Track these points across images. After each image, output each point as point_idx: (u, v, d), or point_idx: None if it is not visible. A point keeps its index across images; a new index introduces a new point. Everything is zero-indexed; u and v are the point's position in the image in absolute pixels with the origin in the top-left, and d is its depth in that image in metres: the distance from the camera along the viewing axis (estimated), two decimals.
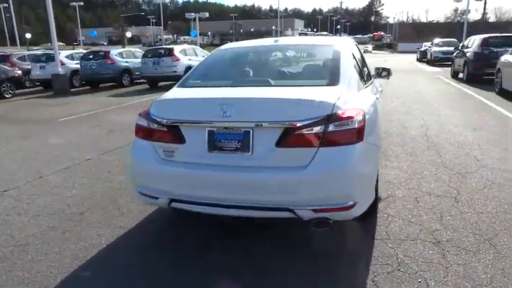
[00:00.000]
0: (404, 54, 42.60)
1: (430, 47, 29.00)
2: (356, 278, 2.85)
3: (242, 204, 2.88)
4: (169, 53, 16.81)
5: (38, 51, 27.41)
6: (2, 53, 21.09)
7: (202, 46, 30.05)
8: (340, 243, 3.37)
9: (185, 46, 19.96)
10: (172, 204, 3.07)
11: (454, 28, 50.96)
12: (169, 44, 49.01)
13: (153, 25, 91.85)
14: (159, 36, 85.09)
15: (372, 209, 3.41)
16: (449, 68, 19.02)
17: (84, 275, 3.04)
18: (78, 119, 10.16)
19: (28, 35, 58.50)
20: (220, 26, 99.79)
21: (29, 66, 18.84)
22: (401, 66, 25.77)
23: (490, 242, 3.26)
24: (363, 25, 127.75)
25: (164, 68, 16.50)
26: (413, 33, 61.24)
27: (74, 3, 54.35)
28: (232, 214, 3.01)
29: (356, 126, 2.77)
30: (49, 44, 63.54)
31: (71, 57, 18.80)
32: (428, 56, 28.27)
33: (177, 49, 17.41)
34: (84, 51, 20.31)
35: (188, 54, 17.71)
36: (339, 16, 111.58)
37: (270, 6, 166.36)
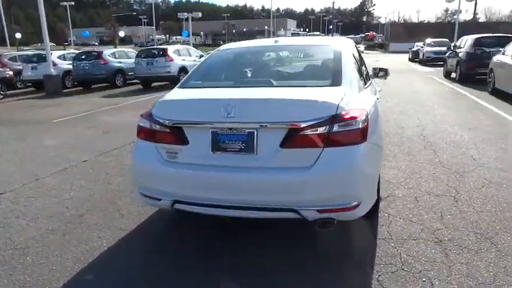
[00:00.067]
0: (396, 54, 42.85)
1: (422, 47, 29.21)
2: (360, 277, 2.86)
3: (246, 205, 2.88)
4: (163, 53, 16.75)
5: (28, 51, 27.20)
6: None
7: (195, 46, 29.99)
8: (343, 243, 3.37)
9: (179, 46, 19.91)
10: (176, 206, 3.06)
11: (445, 28, 51.40)
12: (161, 44, 48.82)
13: (144, 25, 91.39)
14: (151, 37, 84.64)
15: (374, 209, 3.42)
16: (442, 68, 19.18)
17: (87, 278, 3.01)
18: (72, 120, 10.08)
19: (18, 35, 57.82)
20: (213, 26, 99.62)
21: (20, 67, 18.63)
22: (394, 66, 25.87)
23: (491, 240, 3.29)
24: (355, 25, 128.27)
25: (158, 68, 16.43)
26: (404, 33, 61.62)
27: (65, 3, 53.71)
28: (236, 215, 3.00)
29: (360, 126, 2.78)
30: (39, 44, 62.99)
31: (63, 57, 18.65)
32: (421, 56, 28.47)
33: (170, 49, 17.35)
34: (77, 52, 20.14)
35: (182, 55, 17.67)
36: (331, 16, 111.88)
37: (262, 6, 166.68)
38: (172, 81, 16.97)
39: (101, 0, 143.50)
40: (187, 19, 38.27)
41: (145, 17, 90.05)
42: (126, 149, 6.69)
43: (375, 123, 3.18)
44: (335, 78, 3.23)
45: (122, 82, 18.12)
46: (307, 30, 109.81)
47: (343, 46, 3.84)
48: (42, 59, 17.50)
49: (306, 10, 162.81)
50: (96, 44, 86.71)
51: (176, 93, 3.46)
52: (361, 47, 60.50)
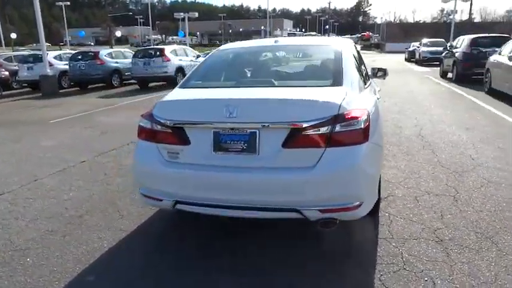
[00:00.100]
0: (392, 54, 42.91)
1: (418, 47, 29.27)
2: (363, 277, 2.87)
3: (248, 205, 2.88)
4: (160, 53, 16.70)
5: (24, 51, 27.05)
6: None
7: (192, 46, 29.92)
8: (344, 243, 3.38)
9: (176, 46, 19.86)
10: (177, 206, 3.05)
11: (441, 28, 51.56)
12: (157, 45, 48.74)
13: (141, 25, 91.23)
14: (147, 37, 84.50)
15: (375, 209, 3.43)
16: (438, 68, 19.26)
17: (88, 279, 3.00)
18: (69, 120, 10.04)
19: (13, 35, 57.52)
20: (209, 26, 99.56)
21: (16, 67, 18.55)
22: (391, 66, 25.86)
23: (491, 240, 3.30)
24: (351, 25, 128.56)
25: (155, 68, 16.39)
26: (400, 33, 61.77)
27: (60, 3, 53.40)
28: (238, 215, 3.00)
29: (362, 126, 2.78)
30: (35, 44, 62.66)
31: (59, 57, 18.54)
32: (417, 56, 28.53)
33: (167, 49, 17.30)
34: (73, 52, 20.05)
35: (179, 55, 17.63)
36: (327, 16, 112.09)
37: (259, 6, 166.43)
38: (169, 82, 16.96)
39: (97, 0, 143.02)
40: (183, 19, 38.16)
41: (141, 17, 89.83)
42: (124, 150, 6.68)
43: (376, 123, 3.19)
44: (336, 78, 3.23)
45: (118, 82, 18.05)
46: (303, 30, 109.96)
47: (343, 46, 3.85)
48: (38, 59, 17.40)
49: (302, 10, 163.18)
50: (92, 44, 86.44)
51: (177, 94, 3.45)
52: (358, 47, 60.61)
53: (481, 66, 13.09)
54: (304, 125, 2.71)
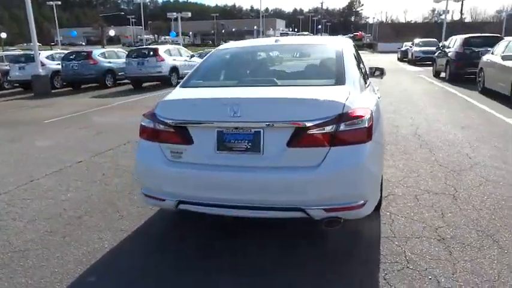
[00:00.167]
0: (385, 54, 43.18)
1: (411, 46, 29.49)
2: (367, 276, 2.86)
3: (252, 205, 2.86)
4: (154, 53, 16.62)
5: (14, 51, 26.77)
6: None
7: (184, 46, 29.81)
8: (346, 242, 3.37)
9: (170, 46, 19.80)
10: (180, 206, 3.03)
11: (432, 28, 51.97)
12: (149, 45, 48.48)
13: (133, 25, 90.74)
14: (139, 37, 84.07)
15: (377, 207, 3.44)
16: (431, 68, 19.41)
17: (90, 279, 2.96)
18: (64, 120, 9.96)
19: (3, 35, 56.91)
20: (202, 26, 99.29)
21: (7, 67, 18.39)
22: (384, 65, 25.93)
23: (492, 238, 3.32)
24: (343, 25, 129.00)
25: (149, 68, 16.32)
26: (392, 33, 62.15)
27: (51, 3, 52.94)
28: (242, 215, 2.99)
29: (366, 125, 2.78)
30: (25, 44, 62.05)
31: (51, 57, 18.41)
32: (410, 56, 28.74)
33: (161, 49, 17.24)
34: (65, 52, 19.88)
35: (173, 55, 17.57)
36: (319, 16, 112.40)
37: (251, 6, 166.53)
38: (163, 81, 16.90)
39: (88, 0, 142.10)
40: (176, 19, 38.06)
41: (133, 16, 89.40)
42: (120, 150, 6.63)
43: (378, 122, 3.19)
44: (339, 78, 3.23)
45: (112, 82, 17.96)
46: (296, 30, 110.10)
47: (343, 45, 3.85)
48: (30, 59, 17.26)
49: (295, 10, 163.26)
50: (84, 44, 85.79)
51: (179, 93, 3.42)
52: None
53: (473, 66, 13.22)
54: (309, 124, 2.71)
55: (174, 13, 37.27)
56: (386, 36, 62.29)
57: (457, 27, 44.93)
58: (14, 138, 7.96)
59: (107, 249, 3.36)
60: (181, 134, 2.97)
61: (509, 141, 6.32)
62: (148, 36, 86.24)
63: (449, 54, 15.36)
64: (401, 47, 34.15)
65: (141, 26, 65.47)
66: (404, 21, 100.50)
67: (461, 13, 64.89)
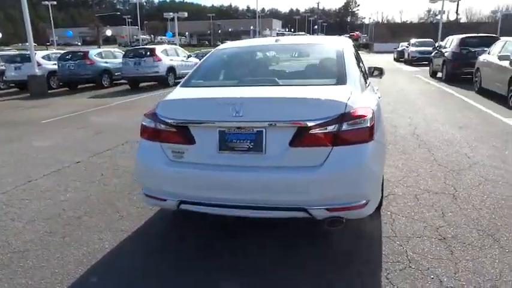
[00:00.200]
0: (381, 54, 43.28)
1: (407, 47, 29.57)
2: (369, 276, 2.86)
3: (254, 205, 2.86)
4: (151, 53, 16.58)
5: (9, 51, 26.61)
6: None
7: (181, 46, 29.78)
8: (347, 242, 3.36)
9: (166, 46, 19.75)
10: (182, 206, 3.02)
11: (428, 28, 52.13)
12: (146, 45, 48.40)
13: (129, 25, 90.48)
14: (135, 37, 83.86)
15: (378, 207, 3.44)
16: (427, 68, 19.46)
17: (91, 280, 2.95)
18: (61, 120, 9.91)
19: None
20: (198, 26, 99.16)
21: (3, 67, 18.27)
22: (381, 65, 26.15)
23: (493, 237, 3.33)
24: (339, 25, 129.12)
25: (146, 68, 16.27)
26: (388, 33, 62.29)
27: (47, 2, 52.72)
28: (245, 215, 2.98)
29: (368, 124, 2.78)
30: (20, 44, 61.66)
31: (47, 57, 18.29)
32: (406, 56, 28.81)
33: (158, 49, 17.19)
34: (61, 52, 19.78)
35: (170, 55, 17.52)
36: (315, 16, 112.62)
37: (248, 7, 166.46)
38: (160, 82, 16.86)
39: None
40: (172, 19, 38.01)
41: (129, 16, 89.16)
42: (118, 150, 6.61)
43: (379, 122, 3.19)
44: (340, 77, 3.23)
45: (108, 82, 17.89)
46: (292, 30, 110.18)
47: (344, 45, 3.85)
48: (26, 59, 17.17)
49: (291, 10, 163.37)
50: (79, 44, 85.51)
51: (180, 93, 3.40)
52: None
53: (470, 66, 13.27)
54: (312, 124, 2.70)
55: (171, 13, 37.22)
56: (382, 37, 62.42)
57: (452, 27, 45.10)
58: (11, 139, 7.91)
59: (108, 250, 3.34)
60: (182, 133, 2.96)
61: (507, 141, 6.34)
62: (144, 36, 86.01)
63: (445, 54, 15.41)
64: (398, 47, 34.24)
65: (137, 26, 65.28)
66: (400, 22, 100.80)
67: (457, 13, 65.15)
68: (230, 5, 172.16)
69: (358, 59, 4.11)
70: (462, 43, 14.59)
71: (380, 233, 3.42)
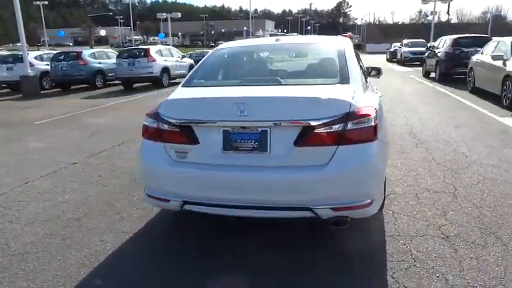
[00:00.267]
0: (373, 55, 43.45)
1: (400, 47, 29.76)
2: (374, 275, 2.86)
3: (259, 205, 2.84)
4: (145, 53, 16.50)
5: (1, 51, 26.32)
6: None
7: (174, 47, 29.67)
8: (352, 241, 3.36)
9: (161, 47, 19.66)
10: (186, 207, 2.99)
11: (419, 29, 52.57)
12: (138, 45, 48.13)
13: (121, 25, 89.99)
14: (127, 37, 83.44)
15: (381, 206, 3.43)
16: (420, 68, 19.60)
17: (95, 283, 2.91)
18: (55, 121, 9.82)
19: None
20: (191, 26, 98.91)
21: None
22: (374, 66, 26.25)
23: (495, 235, 3.34)
24: (332, 26, 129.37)
25: (140, 69, 16.19)
26: (380, 34, 62.71)
27: (38, 2, 52.27)
28: (250, 215, 2.96)
29: (373, 123, 2.78)
30: (11, 44, 61.07)
31: (40, 58, 18.14)
32: (399, 56, 28.99)
33: (153, 50, 17.11)
34: (54, 52, 19.61)
35: (164, 55, 17.45)
36: (308, 17, 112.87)
37: (240, 7, 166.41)
38: (154, 82, 16.79)
39: (75, 0, 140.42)
40: (165, 19, 37.88)
41: (121, 17, 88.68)
42: (115, 151, 6.56)
43: (381, 121, 3.19)
44: (343, 77, 3.22)
45: (102, 83, 17.76)
46: (285, 31, 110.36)
47: (345, 44, 3.85)
48: (18, 59, 17.02)
49: (284, 11, 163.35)
50: (71, 44, 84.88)
51: (182, 92, 3.38)
52: None
53: (463, 66, 13.39)
54: (317, 123, 2.69)
55: (164, 13, 37.06)
56: (374, 37, 62.80)
57: (444, 28, 45.46)
58: (6, 140, 7.82)
59: (110, 252, 3.30)
60: (186, 133, 2.93)
61: (503, 140, 6.39)
62: (137, 37, 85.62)
63: (439, 54, 15.52)
64: (390, 47, 34.47)
65: (130, 26, 64.94)
66: (391, 22, 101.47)
67: (448, 14, 65.70)
68: (223, 6, 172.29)
69: (358, 59, 4.11)
70: (455, 43, 14.71)
71: (383, 232, 3.42)
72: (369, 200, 2.81)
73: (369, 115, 2.78)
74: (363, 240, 3.38)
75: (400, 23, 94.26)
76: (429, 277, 2.78)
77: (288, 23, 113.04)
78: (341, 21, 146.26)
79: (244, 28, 74.22)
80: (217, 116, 2.87)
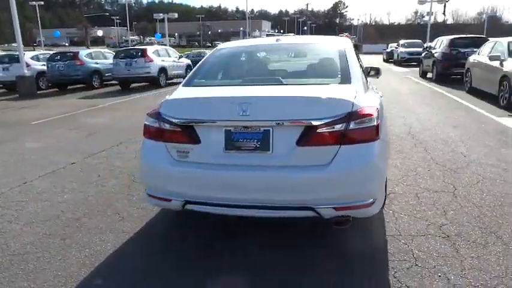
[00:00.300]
0: (370, 55, 43.53)
1: (396, 47, 29.87)
2: (376, 274, 2.86)
3: (261, 204, 2.84)
4: (143, 53, 16.45)
5: None
6: None
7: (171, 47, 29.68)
8: (352, 241, 3.35)
9: (158, 47, 19.61)
10: (187, 207, 2.98)
11: (415, 30, 52.79)
12: (135, 46, 48.04)
13: (117, 26, 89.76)
14: (124, 38, 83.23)
15: (382, 206, 3.44)
16: (416, 68, 19.66)
17: (96, 282, 2.90)
18: (52, 121, 9.77)
19: None
20: (187, 27, 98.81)
21: None
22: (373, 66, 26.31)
23: (495, 234, 3.35)
24: (328, 26, 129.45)
25: (137, 69, 16.14)
26: (376, 34, 62.92)
27: (34, 3, 52.02)
28: (252, 214, 2.95)
29: (375, 123, 2.78)
30: (6, 45, 60.69)
31: (36, 58, 18.05)
32: (395, 57, 29.09)
33: (150, 50, 17.08)
34: (50, 52, 19.52)
35: (161, 55, 17.43)
36: (305, 17, 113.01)
37: (237, 8, 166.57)
38: (152, 82, 16.76)
39: (71, 0, 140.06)
40: (162, 20, 37.79)
41: (117, 17, 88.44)
42: (114, 151, 6.53)
43: (383, 120, 3.20)
44: (344, 76, 3.23)
45: (98, 83, 17.69)
46: (281, 31, 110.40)
47: (345, 44, 3.85)
48: (14, 59, 16.96)
49: (280, 11, 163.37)
50: (67, 44, 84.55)
51: (183, 92, 3.37)
52: None
53: (460, 66, 13.46)
54: (319, 123, 2.69)
55: (161, 14, 36.97)
56: (370, 38, 63.01)
57: (440, 28, 45.70)
58: (2, 140, 7.78)
59: (110, 251, 3.29)
60: (188, 133, 2.92)
61: (500, 140, 6.42)
62: (133, 37, 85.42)
63: (435, 54, 15.58)
64: (387, 48, 34.57)
65: (126, 27, 64.78)
66: (388, 23, 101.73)
67: (444, 15, 66.03)
68: (219, 6, 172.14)
69: (358, 59, 4.12)
70: (452, 44, 14.78)
71: (384, 232, 3.42)
72: (371, 200, 2.81)
73: (371, 115, 2.78)
74: (364, 240, 3.37)
75: (396, 24, 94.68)
76: (431, 276, 2.78)
77: (284, 23, 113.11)
78: (337, 21, 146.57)
79: (241, 28, 74.24)
80: (219, 115, 2.86)
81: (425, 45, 22.14)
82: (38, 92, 16.54)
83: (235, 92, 3.13)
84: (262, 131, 2.78)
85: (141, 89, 16.37)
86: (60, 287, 2.83)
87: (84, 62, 17.08)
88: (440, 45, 15.72)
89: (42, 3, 52.83)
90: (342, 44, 3.87)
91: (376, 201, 2.86)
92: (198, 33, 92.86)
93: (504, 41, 10.46)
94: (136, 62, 16.19)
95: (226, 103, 2.92)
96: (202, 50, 29.92)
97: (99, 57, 18.19)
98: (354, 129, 2.72)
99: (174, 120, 2.95)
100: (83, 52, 18.20)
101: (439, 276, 2.79)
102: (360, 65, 4.01)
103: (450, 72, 14.60)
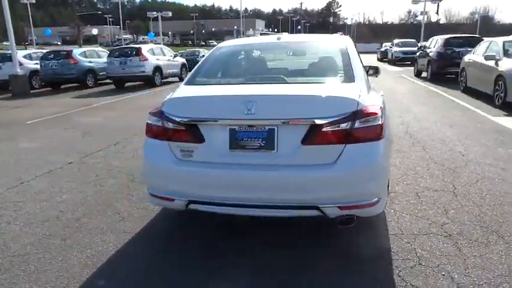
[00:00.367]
0: (363, 55, 43.54)
1: (390, 47, 29.99)
2: (381, 273, 2.85)
3: (266, 204, 2.82)
4: (137, 52, 16.36)
5: None
6: None
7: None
8: (356, 240, 3.35)
9: (153, 45, 19.50)
10: (191, 206, 2.96)
11: (408, 29, 53.06)
12: (128, 45, 47.73)
13: (110, 24, 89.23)
14: (116, 36, 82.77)
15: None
16: (411, 68, 19.77)
17: (98, 283, 2.87)
18: (47, 121, 9.68)
19: None
20: (180, 25, 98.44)
21: None
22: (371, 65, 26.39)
23: (497, 233, 3.37)
24: (322, 26, 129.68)
25: (132, 68, 16.05)
26: (370, 34, 63.17)
27: (25, 1, 51.46)
28: (256, 214, 2.94)
29: (380, 122, 2.78)
30: None
31: (29, 57, 17.89)
32: (389, 56, 29.22)
33: (145, 48, 16.98)
34: (43, 51, 19.35)
35: (156, 54, 17.33)
36: (298, 17, 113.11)
37: (230, 6, 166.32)
38: (146, 81, 16.67)
39: None
40: (155, 18, 37.63)
41: (110, 16, 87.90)
42: (111, 151, 6.49)
43: (386, 119, 3.20)
44: (347, 75, 3.22)
45: (93, 82, 17.58)
46: (275, 30, 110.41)
47: (347, 43, 3.85)
48: (6, 58, 16.80)
49: (274, 10, 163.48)
50: (59, 43, 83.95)
51: (186, 90, 3.34)
52: None
53: (454, 66, 13.54)
54: (325, 122, 2.68)
55: (155, 12, 36.79)
56: (364, 37, 63.20)
57: (433, 28, 45.96)
58: None
59: (112, 252, 3.26)
60: (191, 132, 2.90)
61: (497, 139, 6.46)
62: (126, 36, 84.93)
63: (430, 54, 15.67)
64: (381, 47, 34.72)
65: (119, 25, 64.38)
66: (381, 22, 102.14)
67: (437, 14, 66.46)
68: (213, 5, 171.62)
69: (359, 57, 4.11)
70: (447, 43, 14.86)
71: (387, 231, 3.43)
72: (376, 199, 2.81)
73: (376, 113, 2.78)
74: (367, 239, 3.37)
75: (389, 23, 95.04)
76: (435, 275, 2.79)
77: (278, 22, 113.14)
78: (331, 20, 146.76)
79: (235, 27, 74.12)
80: (224, 114, 2.85)
81: (419, 45, 22.26)
82: (31, 91, 16.40)
83: (239, 91, 3.11)
84: (267, 129, 2.77)
85: (136, 88, 16.28)
86: None
87: (78, 60, 16.96)
88: (435, 44, 15.80)
89: (33, 1, 52.19)
90: (344, 42, 3.87)
91: (380, 200, 2.86)
92: (192, 32, 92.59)
93: (499, 40, 10.54)
94: (131, 61, 16.10)
95: (230, 102, 2.90)
96: (196, 49, 29.78)
97: (93, 56, 18.08)
98: (359, 128, 2.72)
99: (177, 119, 2.93)
100: (77, 51, 18.07)
101: (443, 275, 2.79)
102: (362, 64, 4.02)
103: (445, 71, 14.70)
